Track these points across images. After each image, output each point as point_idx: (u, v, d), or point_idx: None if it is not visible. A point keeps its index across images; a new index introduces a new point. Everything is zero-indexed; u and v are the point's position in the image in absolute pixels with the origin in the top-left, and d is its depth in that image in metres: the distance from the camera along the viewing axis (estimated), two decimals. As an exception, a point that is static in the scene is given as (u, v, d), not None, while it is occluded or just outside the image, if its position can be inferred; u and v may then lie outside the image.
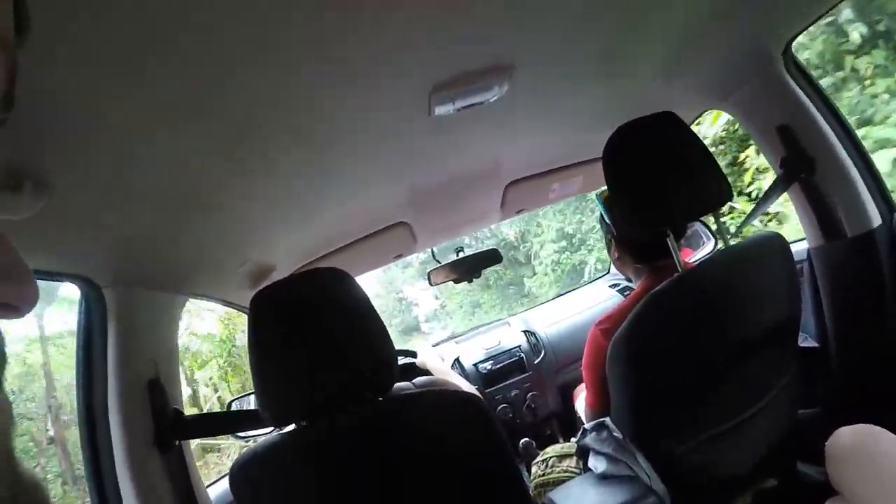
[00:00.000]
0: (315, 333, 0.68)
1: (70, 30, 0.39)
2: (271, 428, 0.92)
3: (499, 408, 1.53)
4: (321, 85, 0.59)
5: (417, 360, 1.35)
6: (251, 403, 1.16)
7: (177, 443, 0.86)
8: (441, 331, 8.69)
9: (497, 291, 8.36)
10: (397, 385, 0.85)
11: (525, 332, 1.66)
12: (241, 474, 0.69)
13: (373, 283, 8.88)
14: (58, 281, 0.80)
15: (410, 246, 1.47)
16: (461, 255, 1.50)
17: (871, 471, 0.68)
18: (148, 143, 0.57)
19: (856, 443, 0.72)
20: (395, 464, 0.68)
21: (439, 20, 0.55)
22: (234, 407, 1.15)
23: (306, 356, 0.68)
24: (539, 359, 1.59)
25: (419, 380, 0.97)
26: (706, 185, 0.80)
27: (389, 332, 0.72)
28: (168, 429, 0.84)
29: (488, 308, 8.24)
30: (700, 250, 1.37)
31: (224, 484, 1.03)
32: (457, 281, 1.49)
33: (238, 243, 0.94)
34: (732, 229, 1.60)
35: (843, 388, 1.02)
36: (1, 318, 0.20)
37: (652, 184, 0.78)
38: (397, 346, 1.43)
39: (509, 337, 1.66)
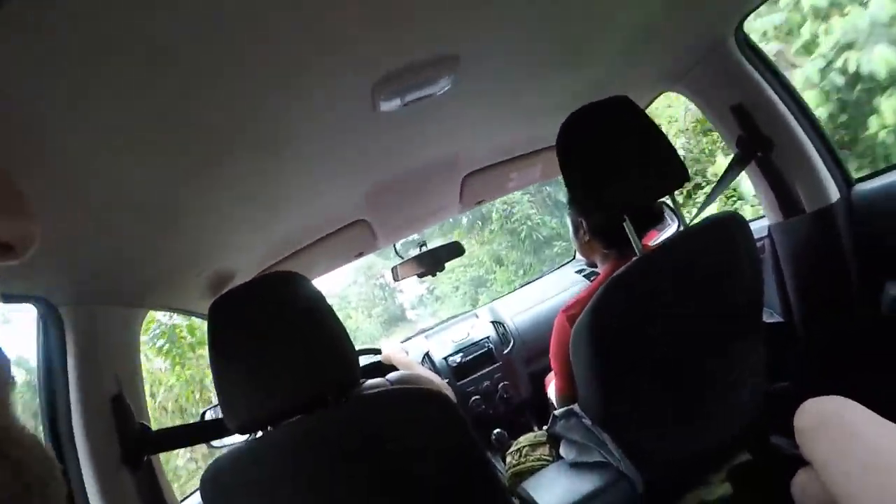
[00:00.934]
0: (272, 338, 0.68)
1: (29, 41, 0.37)
2: (246, 435, 0.91)
3: (471, 400, 1.53)
4: (267, 87, 0.58)
5: (382, 356, 1.34)
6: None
7: (146, 458, 0.85)
8: (431, 318, 8.30)
9: (528, 254, 7.00)
10: (371, 382, 0.84)
11: (493, 322, 1.67)
12: (210, 486, 0.68)
13: (349, 271, 8.48)
14: (12, 303, 0.78)
15: (371, 243, 1.46)
16: (423, 249, 1.50)
17: (839, 441, 0.69)
18: (98, 160, 0.56)
19: (822, 414, 0.73)
20: (364, 464, 0.68)
21: (377, 13, 0.54)
22: (208, 416, 1.14)
23: (265, 362, 0.67)
24: (508, 349, 1.59)
25: (392, 375, 0.97)
26: (661, 168, 0.80)
27: (371, 323, 0.72)
28: (135, 445, 0.83)
29: (503, 283, 7.00)
30: (664, 232, 1.38)
31: (196, 498, 1.03)
32: (421, 275, 1.49)
33: (196, 252, 0.93)
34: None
35: (810, 360, 1.03)
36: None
37: (605, 168, 0.78)
38: (363, 345, 1.43)
39: (478, 328, 1.66)
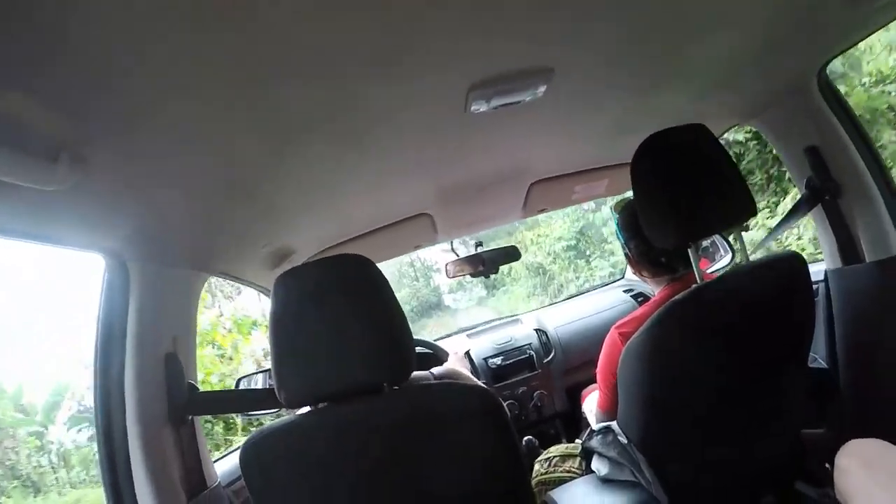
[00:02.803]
0: (334, 320, 0.69)
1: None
2: (283, 409, 0.93)
3: (505, 403, 1.52)
4: (360, 80, 0.59)
5: (444, 367, 1.29)
6: (258, 382, 1.17)
7: (189, 418, 0.87)
8: (470, 304, 7.68)
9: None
10: (416, 374, 0.86)
11: (537, 330, 1.67)
12: (252, 453, 0.70)
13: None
14: (85, 251, 0.81)
15: (431, 237, 1.47)
16: (480, 249, 1.51)
17: (879, 483, 0.69)
18: (184, 129, 0.58)
19: (865, 454, 0.72)
20: (407, 453, 0.69)
21: (482, 21, 0.55)
22: (241, 385, 1.16)
23: (324, 342, 0.69)
24: (549, 358, 1.60)
25: (437, 370, 0.98)
26: (732, 199, 0.80)
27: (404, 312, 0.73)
28: (182, 404, 0.85)
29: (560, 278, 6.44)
30: (717, 262, 1.37)
31: (230, 460, 1.05)
32: (473, 275, 1.50)
33: (262, 226, 0.95)
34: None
35: (849, 410, 1.02)
36: None
37: (679, 195, 0.78)
38: (433, 340, 1.43)
39: (521, 334, 1.66)
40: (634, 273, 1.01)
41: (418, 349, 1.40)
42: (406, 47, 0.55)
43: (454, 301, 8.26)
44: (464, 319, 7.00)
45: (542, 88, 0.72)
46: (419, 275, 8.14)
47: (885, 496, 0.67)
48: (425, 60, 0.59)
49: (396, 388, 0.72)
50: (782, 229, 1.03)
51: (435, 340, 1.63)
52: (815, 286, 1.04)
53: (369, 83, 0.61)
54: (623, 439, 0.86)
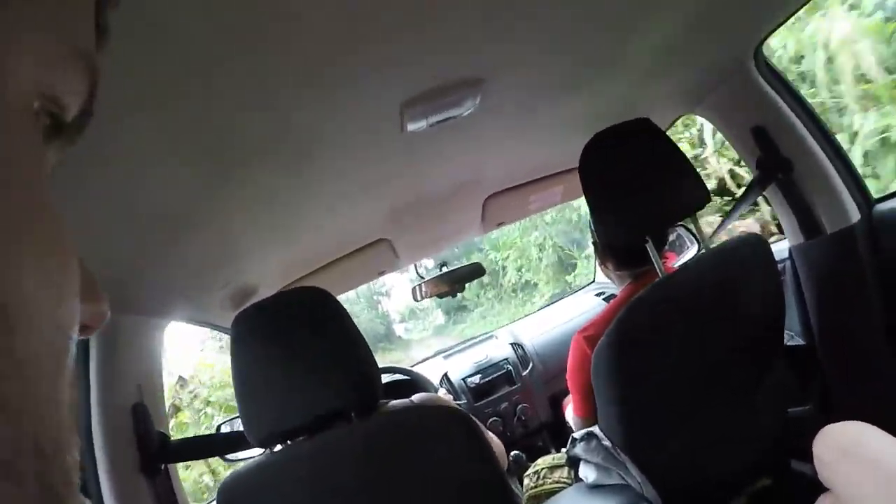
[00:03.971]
0: (296, 353, 0.68)
1: None
2: (261, 449, 0.91)
3: (489, 421, 1.52)
4: (295, 103, 0.59)
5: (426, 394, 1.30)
6: (240, 425, 1.15)
7: (163, 467, 0.85)
8: (424, 334, 7.00)
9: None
10: (396, 402, 0.85)
11: (512, 344, 1.66)
12: (229, 496, 0.68)
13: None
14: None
15: (393, 262, 1.47)
16: (444, 269, 1.51)
17: (860, 468, 0.68)
18: (127, 171, 0.57)
19: (842, 440, 0.71)
20: (384, 479, 0.68)
21: (407, 37, 0.55)
22: (223, 429, 1.14)
23: (288, 376, 0.68)
24: (527, 370, 1.59)
25: (417, 396, 0.96)
26: (683, 190, 0.81)
27: None
28: (154, 453, 0.83)
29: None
30: (684, 254, 1.37)
31: None
32: (442, 295, 1.50)
33: (220, 266, 0.94)
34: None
35: (831, 384, 1.02)
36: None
37: (628, 190, 0.79)
38: (423, 371, 1.40)
39: (497, 350, 1.65)
40: (600, 265, 1.01)
41: (399, 377, 1.39)
42: (331, 69, 0.56)
43: (406, 331, 7.62)
44: (417, 352, 6.32)
45: (476, 100, 0.72)
46: (362, 299, 7.24)
47: (865, 482, 0.66)
48: (352, 82, 0.59)
49: (367, 415, 0.71)
50: (737, 212, 1.04)
51: (411, 367, 1.61)
52: (781, 264, 1.04)
53: (302, 107, 0.61)
54: (606, 443, 0.85)
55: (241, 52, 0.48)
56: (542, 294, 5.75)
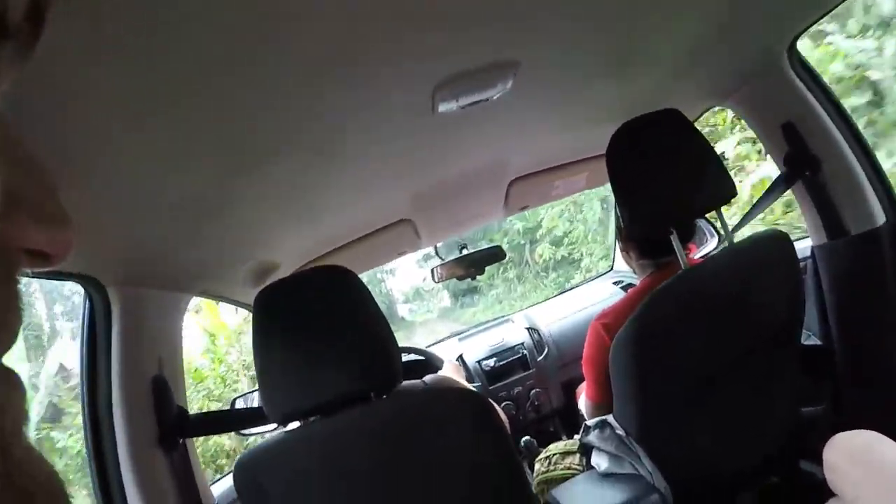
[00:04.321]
0: (317, 332, 0.69)
1: (87, 40, 0.38)
2: (275, 425, 0.92)
3: (502, 405, 1.53)
4: (325, 89, 0.59)
5: (439, 374, 1.32)
6: (255, 401, 1.17)
7: (181, 441, 0.86)
8: (428, 315, 6.85)
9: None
10: (408, 383, 0.85)
11: (528, 329, 1.66)
12: (245, 472, 0.69)
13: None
14: (62, 280, 0.80)
15: (414, 242, 1.47)
16: (464, 251, 1.50)
17: (869, 477, 0.68)
18: (155, 152, 0.57)
19: (852, 449, 0.72)
20: (399, 460, 0.69)
21: (440, 19, 0.54)
22: (238, 404, 1.15)
23: (309, 355, 0.68)
24: (542, 356, 1.59)
25: (429, 377, 0.97)
26: (709, 183, 0.80)
27: None
28: (172, 427, 0.84)
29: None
30: (704, 247, 1.36)
31: (227, 482, 1.04)
32: (460, 278, 1.50)
33: (243, 243, 0.94)
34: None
35: (846, 385, 1.02)
36: (32, 268, 0.19)
37: (654, 181, 0.78)
38: (428, 347, 1.42)
39: (513, 334, 1.66)
40: (622, 252, 1.00)
41: (411, 357, 1.39)
42: (365, 51, 0.55)
43: (409, 312, 7.45)
44: (421, 336, 6.28)
45: (510, 83, 0.71)
46: (364, 276, 7.57)
47: (874, 492, 0.66)
48: (386, 63, 0.59)
49: (385, 396, 0.72)
50: (761, 207, 1.03)
51: (427, 347, 1.62)
52: (802, 263, 1.03)
53: (333, 91, 0.60)
54: (620, 432, 0.86)
55: (270, 43, 0.47)
56: (590, 270, 4.97)
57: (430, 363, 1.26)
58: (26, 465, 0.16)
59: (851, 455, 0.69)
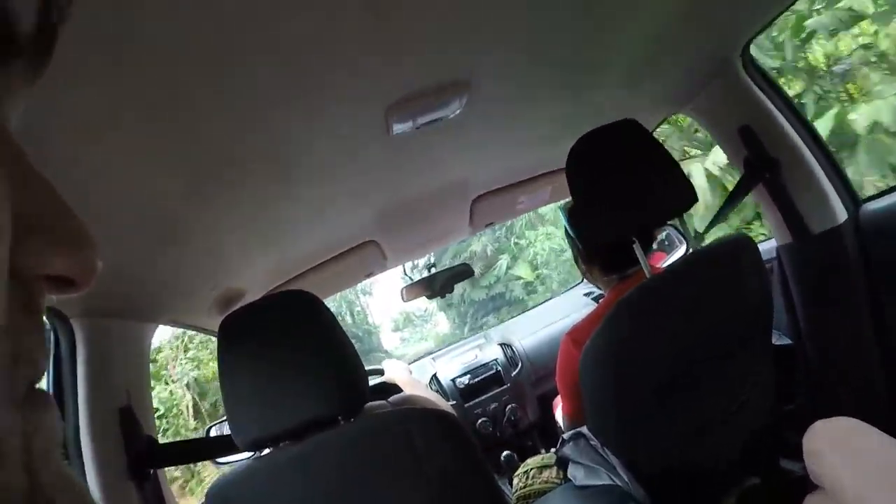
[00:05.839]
0: (283, 357, 0.68)
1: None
2: (250, 453, 0.91)
3: (479, 422, 1.52)
4: (280, 109, 0.59)
5: (386, 377, 1.34)
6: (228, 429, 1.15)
7: (151, 471, 0.85)
8: (424, 345, 6.46)
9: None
10: (372, 404, 0.85)
11: (501, 344, 1.67)
12: (217, 500, 0.68)
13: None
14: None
15: (381, 263, 1.47)
16: (433, 270, 1.51)
17: (850, 462, 0.68)
18: (114, 180, 0.57)
19: (833, 435, 0.72)
20: (370, 483, 0.68)
21: (387, 41, 0.55)
22: (213, 432, 1.13)
23: (275, 380, 0.68)
24: (516, 371, 1.59)
25: (395, 398, 0.97)
26: (669, 190, 0.81)
27: None
28: (142, 457, 0.83)
29: None
30: (673, 254, 1.38)
31: None
32: (430, 297, 1.50)
33: (207, 270, 0.94)
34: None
35: (818, 383, 1.02)
36: (57, 295, 0.17)
37: (614, 191, 0.79)
38: (368, 366, 1.43)
39: (486, 351, 1.66)
40: (584, 275, 1.01)
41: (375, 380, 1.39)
42: (318, 75, 0.56)
43: (402, 341, 6.72)
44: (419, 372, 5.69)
45: (462, 101, 0.72)
46: (347, 311, 6.77)
47: (856, 477, 0.66)
48: (337, 87, 0.60)
49: (352, 419, 0.71)
50: (725, 212, 1.04)
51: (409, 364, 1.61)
52: (768, 264, 1.04)
53: (288, 116, 0.61)
54: (595, 443, 0.85)
55: (223, 66, 0.48)
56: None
57: (392, 385, 1.27)
58: (56, 491, 0.15)
59: (831, 442, 0.70)
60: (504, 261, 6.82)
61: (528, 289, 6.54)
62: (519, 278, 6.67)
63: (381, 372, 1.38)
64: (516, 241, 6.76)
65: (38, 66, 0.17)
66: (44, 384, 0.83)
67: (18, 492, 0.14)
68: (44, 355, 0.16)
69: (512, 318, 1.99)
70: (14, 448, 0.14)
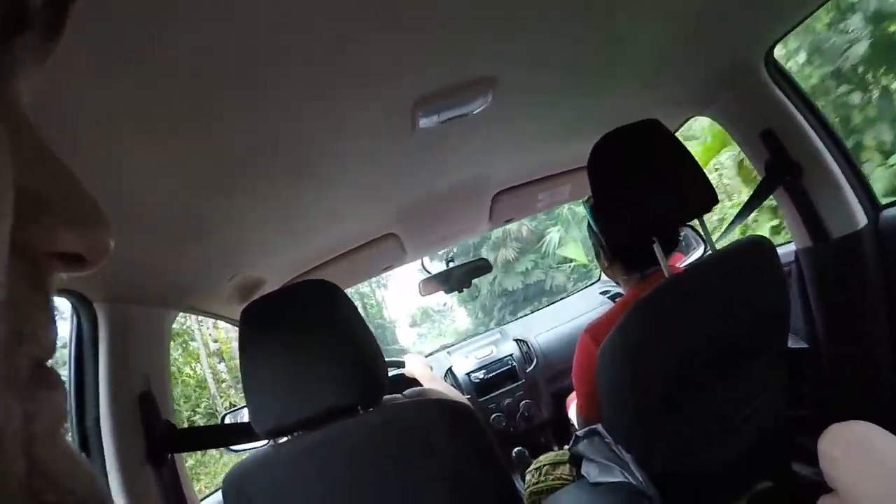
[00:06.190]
0: (304, 346, 0.69)
1: (71, 53, 0.39)
2: (265, 441, 0.92)
3: (492, 417, 1.53)
4: (306, 110, 0.60)
5: (405, 370, 1.35)
6: (245, 416, 1.16)
7: (169, 456, 0.86)
8: (441, 341, 6.15)
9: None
10: (387, 397, 0.85)
11: (517, 340, 1.67)
12: (234, 486, 0.69)
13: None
14: (49, 296, 0.80)
15: (400, 257, 1.48)
16: (451, 265, 1.51)
17: (865, 466, 0.68)
18: (142, 171, 0.58)
19: (848, 438, 0.72)
20: (387, 473, 0.69)
21: (418, 37, 0.56)
22: (227, 419, 1.14)
23: (295, 369, 0.69)
24: (531, 367, 1.59)
25: (409, 391, 0.97)
26: (690, 191, 0.81)
27: None
28: (160, 442, 0.84)
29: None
30: (690, 255, 1.38)
31: (217, 497, 1.03)
32: (447, 291, 1.50)
33: (229, 259, 0.95)
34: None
35: (833, 387, 1.02)
36: (68, 272, 0.17)
37: (636, 191, 0.79)
38: (387, 358, 1.44)
39: (501, 346, 1.66)
40: (605, 272, 1.01)
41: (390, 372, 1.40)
42: (344, 71, 0.56)
43: (419, 337, 6.39)
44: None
45: (489, 98, 0.73)
46: (367, 306, 6.19)
47: (871, 480, 0.66)
48: (365, 82, 0.60)
49: (371, 409, 0.72)
50: (745, 215, 1.04)
51: (425, 357, 1.62)
52: (787, 267, 1.04)
53: (314, 109, 0.61)
54: (610, 441, 0.85)
55: (249, 67, 0.48)
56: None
57: (396, 369, 1.27)
58: (60, 473, 0.15)
59: (846, 445, 0.70)
60: (555, 235, 5.60)
61: (575, 276, 5.54)
62: (567, 261, 5.59)
63: (401, 364, 1.39)
64: (570, 206, 5.27)
65: (49, 41, 0.17)
66: (65, 369, 0.84)
67: (15, 475, 0.13)
68: (51, 333, 0.16)
69: (527, 314, 1.99)
70: (13, 430, 0.13)
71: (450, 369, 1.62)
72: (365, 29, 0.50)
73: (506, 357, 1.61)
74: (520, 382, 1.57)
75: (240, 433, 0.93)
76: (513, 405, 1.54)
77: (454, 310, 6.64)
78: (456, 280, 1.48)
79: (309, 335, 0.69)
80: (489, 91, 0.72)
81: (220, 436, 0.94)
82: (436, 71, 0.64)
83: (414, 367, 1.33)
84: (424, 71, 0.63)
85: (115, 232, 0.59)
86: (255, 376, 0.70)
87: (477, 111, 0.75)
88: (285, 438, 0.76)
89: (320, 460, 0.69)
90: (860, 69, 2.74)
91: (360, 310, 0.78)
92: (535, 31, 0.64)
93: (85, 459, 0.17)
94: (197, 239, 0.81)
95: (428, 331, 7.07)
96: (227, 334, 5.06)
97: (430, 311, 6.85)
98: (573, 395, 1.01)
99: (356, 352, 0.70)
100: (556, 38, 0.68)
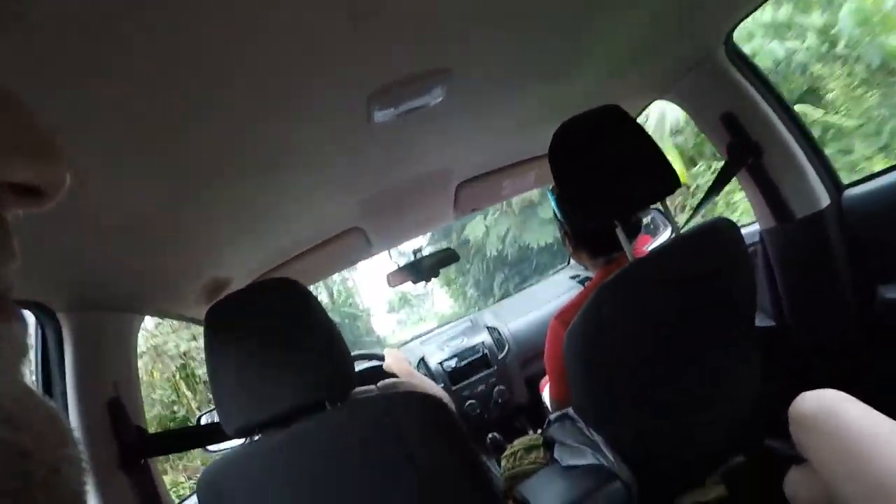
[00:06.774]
0: (269, 344, 0.69)
1: (28, 53, 0.38)
2: (241, 440, 0.92)
3: (466, 404, 1.54)
4: (261, 102, 0.59)
5: (385, 364, 1.35)
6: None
7: (142, 461, 0.86)
8: (421, 326, 5.97)
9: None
10: (360, 389, 0.86)
11: (488, 327, 1.68)
12: (209, 487, 0.69)
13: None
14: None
15: (366, 250, 1.48)
16: (418, 255, 1.51)
17: (835, 432, 0.69)
18: (99, 173, 0.57)
19: (819, 406, 0.73)
20: (356, 468, 0.69)
21: (369, 29, 0.55)
22: (203, 420, 1.14)
23: (262, 367, 0.69)
24: (503, 353, 1.61)
25: (382, 383, 0.98)
26: (652, 175, 0.82)
27: None
28: (132, 448, 0.83)
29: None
30: (658, 238, 1.39)
31: (193, 501, 1.03)
32: (415, 281, 1.50)
33: (192, 261, 0.94)
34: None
35: (802, 364, 1.04)
36: (22, 208, 0.17)
37: (597, 176, 0.80)
38: (364, 350, 1.44)
39: (473, 334, 1.67)
40: (573, 257, 1.02)
41: (363, 364, 1.40)
42: (298, 64, 0.55)
43: (398, 324, 5.86)
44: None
45: (444, 89, 0.72)
46: (339, 293, 5.55)
47: (841, 446, 0.68)
48: (319, 75, 0.59)
49: (339, 404, 0.72)
50: (711, 198, 1.05)
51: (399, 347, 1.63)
52: (752, 248, 1.06)
53: (270, 106, 0.61)
54: (581, 424, 0.87)
55: (203, 61, 0.48)
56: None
57: (380, 369, 1.28)
58: (18, 406, 0.14)
59: (818, 411, 0.71)
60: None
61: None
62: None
63: (381, 358, 1.39)
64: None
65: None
66: (32, 379, 0.83)
67: None
68: (9, 267, 0.16)
69: (497, 301, 2.01)
70: None
71: (422, 359, 1.63)
72: (314, 21, 0.49)
73: (477, 344, 1.62)
74: (492, 369, 1.58)
75: (211, 434, 0.93)
76: (486, 392, 1.55)
77: (430, 294, 6.43)
78: (424, 270, 1.48)
79: (272, 333, 0.69)
80: (444, 82, 0.72)
81: (192, 437, 0.94)
82: (387, 65, 0.64)
83: (392, 361, 1.34)
84: (375, 66, 0.63)
85: (78, 237, 0.58)
86: (222, 375, 0.70)
87: (433, 103, 0.75)
88: (258, 436, 0.76)
89: (289, 457, 0.69)
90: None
91: (327, 299, 0.78)
92: (489, 20, 0.64)
93: (48, 399, 0.17)
94: (161, 241, 0.80)
95: (407, 317, 6.74)
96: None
97: (409, 295, 6.48)
98: (547, 378, 1.03)
99: (319, 347, 0.70)
100: (512, 28, 0.68)
